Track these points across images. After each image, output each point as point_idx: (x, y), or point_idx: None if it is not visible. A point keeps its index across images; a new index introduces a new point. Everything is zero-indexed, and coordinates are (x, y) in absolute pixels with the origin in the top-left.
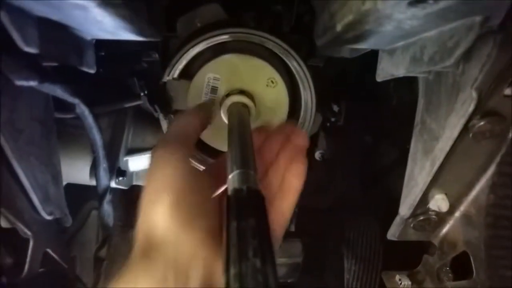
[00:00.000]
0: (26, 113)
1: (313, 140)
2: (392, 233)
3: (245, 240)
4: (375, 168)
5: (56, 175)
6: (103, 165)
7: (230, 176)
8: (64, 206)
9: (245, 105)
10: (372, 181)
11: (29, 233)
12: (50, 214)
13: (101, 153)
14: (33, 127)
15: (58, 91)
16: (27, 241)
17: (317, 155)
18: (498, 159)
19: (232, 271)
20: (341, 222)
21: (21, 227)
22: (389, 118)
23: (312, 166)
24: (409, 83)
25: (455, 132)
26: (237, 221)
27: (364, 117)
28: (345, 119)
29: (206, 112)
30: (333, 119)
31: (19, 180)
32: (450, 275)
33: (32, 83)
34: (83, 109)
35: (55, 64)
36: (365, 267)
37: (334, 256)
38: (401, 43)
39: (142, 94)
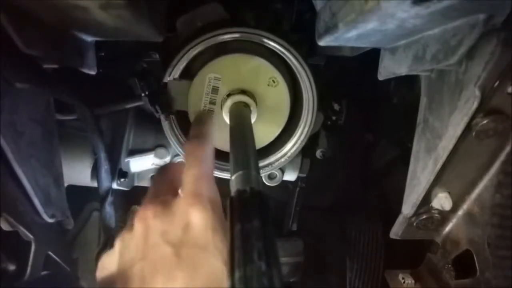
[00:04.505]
0: (27, 115)
1: (314, 139)
2: (395, 232)
3: (250, 243)
4: (376, 167)
5: (58, 177)
6: (104, 167)
7: (233, 177)
8: (66, 208)
9: (246, 105)
10: (373, 179)
11: (30, 236)
12: (51, 216)
13: (102, 154)
14: (34, 129)
15: (59, 93)
16: (28, 244)
17: (318, 153)
18: (502, 157)
19: (237, 274)
20: (342, 220)
21: (22, 230)
22: (390, 116)
23: (313, 164)
24: (409, 82)
25: (458, 131)
26: (241, 223)
27: (365, 116)
28: (346, 118)
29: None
30: (334, 118)
31: (20, 183)
32: (453, 273)
33: (33, 85)
34: (84, 111)
35: (55, 66)
36: (367, 265)
37: (336, 255)
38: (403, 42)
39: (143, 94)
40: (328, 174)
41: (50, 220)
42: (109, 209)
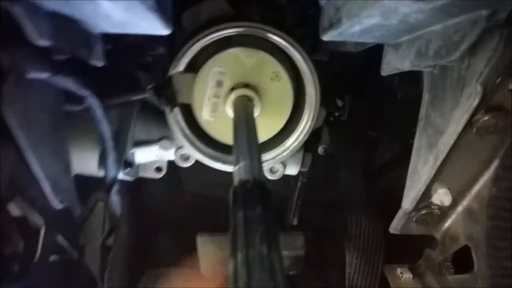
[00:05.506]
0: (39, 105)
1: (317, 135)
2: (395, 227)
3: (252, 228)
4: (379, 163)
5: (66, 166)
6: (111, 157)
7: (236, 168)
8: (74, 196)
9: (250, 99)
10: (375, 175)
11: (40, 221)
12: (60, 203)
13: (110, 144)
14: (45, 119)
15: (69, 84)
16: (38, 229)
17: (320, 149)
18: (501, 153)
19: (240, 256)
20: (344, 216)
21: (32, 215)
22: (393, 112)
23: (315, 160)
24: (413, 77)
25: (459, 127)
26: (244, 210)
27: (368, 112)
28: (349, 114)
29: None
30: (337, 114)
31: (32, 170)
32: (451, 269)
33: (44, 76)
34: (93, 102)
35: (65, 57)
36: (366, 260)
37: (336, 250)
38: (406, 37)
39: (148, 87)
40: (330, 169)
41: (59, 207)
42: (115, 198)
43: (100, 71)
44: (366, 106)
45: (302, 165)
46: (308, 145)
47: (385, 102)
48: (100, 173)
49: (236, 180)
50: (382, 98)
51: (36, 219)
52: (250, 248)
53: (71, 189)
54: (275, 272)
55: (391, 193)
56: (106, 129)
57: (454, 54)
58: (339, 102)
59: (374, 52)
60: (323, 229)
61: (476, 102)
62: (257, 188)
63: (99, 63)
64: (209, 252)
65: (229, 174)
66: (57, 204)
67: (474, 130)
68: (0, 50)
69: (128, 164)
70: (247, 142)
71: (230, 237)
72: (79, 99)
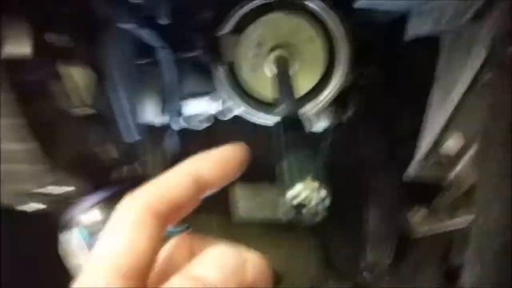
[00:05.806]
0: (121, 53)
1: (343, 100)
2: (410, 173)
3: (296, 146)
4: (401, 130)
5: (136, 106)
6: (172, 103)
7: (280, 107)
8: (139, 132)
9: (286, 59)
10: (395, 142)
11: (117, 151)
12: (135, 136)
13: (173, 92)
14: (125, 64)
15: (148, 35)
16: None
17: (345, 114)
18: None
19: (285, 160)
20: (364, 174)
21: (111, 147)
22: (414, 85)
23: (339, 124)
24: (437, 48)
25: (467, 83)
26: (287, 134)
27: (391, 82)
28: (374, 82)
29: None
30: (363, 81)
31: (118, 105)
32: (462, 207)
33: (131, 27)
34: (164, 52)
35: (144, 14)
36: (385, 217)
37: (356, 209)
38: (426, 6)
39: (199, 46)
40: (354, 135)
41: (136, 138)
42: (175, 138)
43: (162, 29)
44: (391, 76)
45: (329, 124)
46: (334, 108)
47: (408, 74)
48: (156, 120)
49: (281, 115)
50: (407, 67)
51: (113, 150)
52: (294, 154)
53: (139, 126)
54: (310, 168)
55: (409, 160)
56: (172, 78)
57: (463, 20)
58: (367, 70)
59: (400, 26)
60: (345, 190)
61: (481, 61)
62: (297, 120)
63: (164, 21)
64: (246, 197)
65: (261, 136)
66: (135, 137)
67: (479, 86)
68: (101, 4)
69: (180, 113)
70: (287, 90)
71: (278, 154)
72: (147, 54)
